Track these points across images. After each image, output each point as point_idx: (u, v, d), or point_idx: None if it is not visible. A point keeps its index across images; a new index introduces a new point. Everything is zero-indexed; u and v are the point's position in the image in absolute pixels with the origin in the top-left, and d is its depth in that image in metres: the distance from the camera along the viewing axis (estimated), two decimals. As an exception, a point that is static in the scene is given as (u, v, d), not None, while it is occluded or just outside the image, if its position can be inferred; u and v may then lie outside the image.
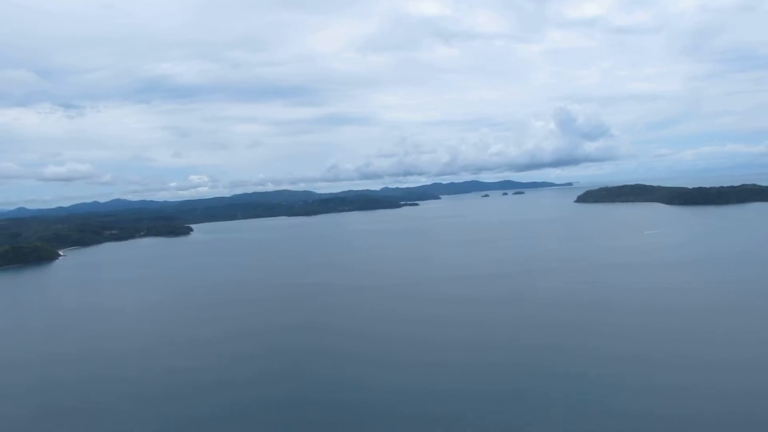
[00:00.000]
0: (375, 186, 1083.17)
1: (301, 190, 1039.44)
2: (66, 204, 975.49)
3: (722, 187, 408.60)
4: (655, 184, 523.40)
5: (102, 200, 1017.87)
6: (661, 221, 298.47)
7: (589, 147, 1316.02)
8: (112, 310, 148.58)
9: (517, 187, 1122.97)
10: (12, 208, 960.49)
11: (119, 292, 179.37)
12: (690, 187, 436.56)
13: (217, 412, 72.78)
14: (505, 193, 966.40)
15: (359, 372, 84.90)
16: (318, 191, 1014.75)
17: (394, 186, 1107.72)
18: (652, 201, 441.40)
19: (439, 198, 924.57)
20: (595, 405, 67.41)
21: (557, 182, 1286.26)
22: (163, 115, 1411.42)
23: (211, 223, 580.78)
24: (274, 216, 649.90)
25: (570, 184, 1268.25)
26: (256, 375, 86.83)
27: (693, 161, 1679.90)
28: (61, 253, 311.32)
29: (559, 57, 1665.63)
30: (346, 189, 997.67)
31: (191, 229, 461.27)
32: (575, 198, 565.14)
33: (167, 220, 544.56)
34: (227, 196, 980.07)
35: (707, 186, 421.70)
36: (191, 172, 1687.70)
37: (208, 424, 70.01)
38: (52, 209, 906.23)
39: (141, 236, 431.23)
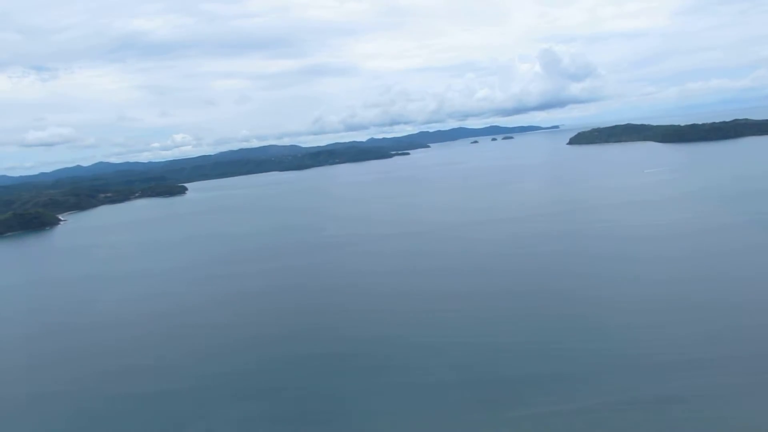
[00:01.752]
0: (361, 137, 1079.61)
1: (287, 144, 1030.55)
2: (48, 170, 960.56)
3: (714, 123, 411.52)
4: (644, 123, 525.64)
5: (84, 164, 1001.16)
6: (659, 160, 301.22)
7: (576, 88, 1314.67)
8: (143, 273, 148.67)
9: (504, 132, 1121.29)
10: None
11: (144, 255, 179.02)
12: (682, 124, 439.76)
13: (263, 365, 74.56)
14: (494, 139, 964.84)
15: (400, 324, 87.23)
16: (304, 145, 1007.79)
17: (380, 137, 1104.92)
18: (644, 140, 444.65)
19: (428, 146, 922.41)
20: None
21: (544, 126, 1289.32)
22: (140, 74, 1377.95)
23: (203, 181, 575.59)
24: (265, 172, 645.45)
25: (556, 127, 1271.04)
26: (310, 329, 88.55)
27: (678, 99, 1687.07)
28: (61, 218, 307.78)
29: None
30: (332, 142, 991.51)
31: (186, 189, 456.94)
32: (567, 140, 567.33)
33: (157, 181, 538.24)
34: (212, 154, 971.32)
35: (700, 123, 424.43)
36: (173, 131, 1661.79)
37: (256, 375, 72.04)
38: (34, 175, 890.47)
39: (136, 198, 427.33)
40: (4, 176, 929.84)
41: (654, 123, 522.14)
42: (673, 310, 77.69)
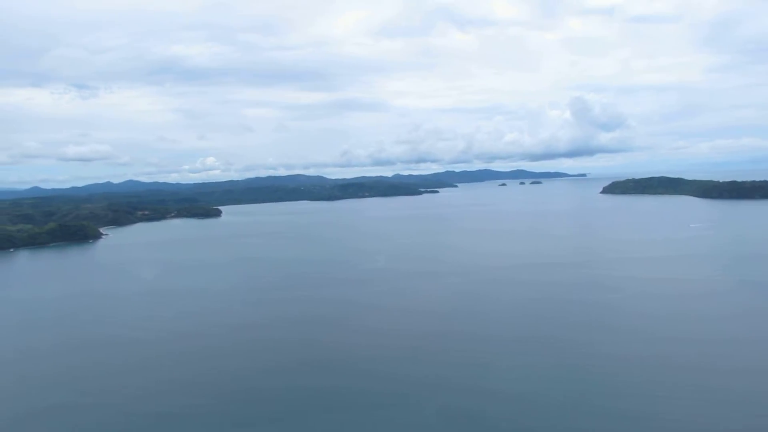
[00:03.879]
0: (387, 173, 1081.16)
1: (314, 175, 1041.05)
2: (80, 184, 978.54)
3: (755, 181, 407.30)
4: (676, 177, 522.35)
5: (115, 181, 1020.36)
6: (701, 215, 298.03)
7: (605, 137, 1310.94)
8: (192, 291, 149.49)
9: (530, 177, 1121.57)
10: (27, 187, 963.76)
11: (190, 274, 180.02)
12: (720, 180, 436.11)
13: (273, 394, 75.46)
14: (522, 183, 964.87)
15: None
16: (330, 177, 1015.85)
17: (406, 173, 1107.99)
18: (682, 194, 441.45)
19: (456, 186, 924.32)
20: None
21: (571, 173, 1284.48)
22: (175, 98, 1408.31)
23: (234, 206, 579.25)
24: (295, 200, 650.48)
25: (584, 175, 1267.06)
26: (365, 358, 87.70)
27: (709, 155, 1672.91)
28: (103, 231, 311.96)
29: (575, 45, 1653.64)
30: (358, 175, 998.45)
31: (220, 212, 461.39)
32: (600, 189, 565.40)
33: (190, 202, 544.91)
34: (239, 179, 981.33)
35: (739, 180, 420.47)
36: (202, 155, 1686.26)
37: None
38: (66, 189, 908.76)
39: (172, 217, 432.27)
40: (36, 188, 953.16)
41: (686, 177, 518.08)
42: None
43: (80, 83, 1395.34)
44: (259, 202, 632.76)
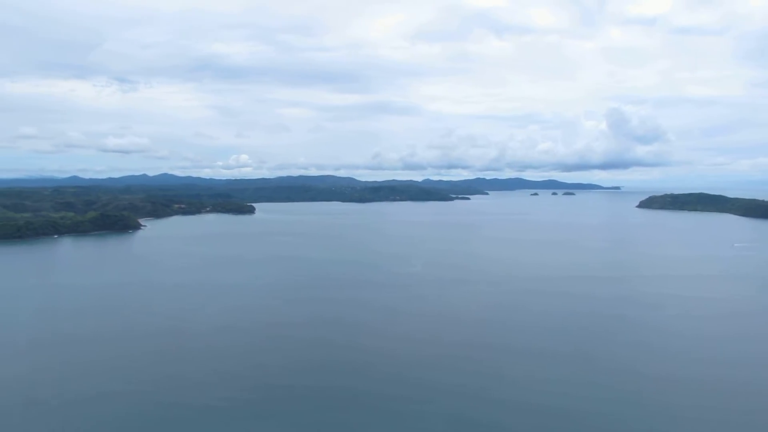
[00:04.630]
0: (417, 177, 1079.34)
1: (344, 176, 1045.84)
2: (116, 175, 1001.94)
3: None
4: (715, 193, 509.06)
5: (150, 174, 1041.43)
6: (744, 234, 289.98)
7: (642, 150, 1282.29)
8: (234, 286, 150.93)
9: (562, 188, 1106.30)
10: (66, 175, 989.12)
11: (230, 269, 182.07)
12: (764, 199, 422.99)
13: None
14: (555, 193, 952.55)
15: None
16: (360, 178, 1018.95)
17: (436, 178, 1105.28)
18: (723, 212, 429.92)
19: (487, 193, 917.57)
20: None
21: (604, 185, 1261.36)
22: (212, 94, 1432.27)
23: (266, 203, 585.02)
24: (326, 201, 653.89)
25: (618, 188, 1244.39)
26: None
27: (749, 172, 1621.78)
28: (142, 222, 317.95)
29: (613, 55, 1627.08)
30: (388, 178, 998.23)
31: (254, 209, 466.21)
32: (636, 203, 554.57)
33: (223, 198, 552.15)
34: (271, 177, 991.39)
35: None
36: (235, 152, 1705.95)
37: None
38: (104, 179, 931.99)
39: (207, 211, 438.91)
40: (75, 176, 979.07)
41: (727, 195, 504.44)
42: None
43: (122, 77, 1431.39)
44: (291, 201, 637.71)
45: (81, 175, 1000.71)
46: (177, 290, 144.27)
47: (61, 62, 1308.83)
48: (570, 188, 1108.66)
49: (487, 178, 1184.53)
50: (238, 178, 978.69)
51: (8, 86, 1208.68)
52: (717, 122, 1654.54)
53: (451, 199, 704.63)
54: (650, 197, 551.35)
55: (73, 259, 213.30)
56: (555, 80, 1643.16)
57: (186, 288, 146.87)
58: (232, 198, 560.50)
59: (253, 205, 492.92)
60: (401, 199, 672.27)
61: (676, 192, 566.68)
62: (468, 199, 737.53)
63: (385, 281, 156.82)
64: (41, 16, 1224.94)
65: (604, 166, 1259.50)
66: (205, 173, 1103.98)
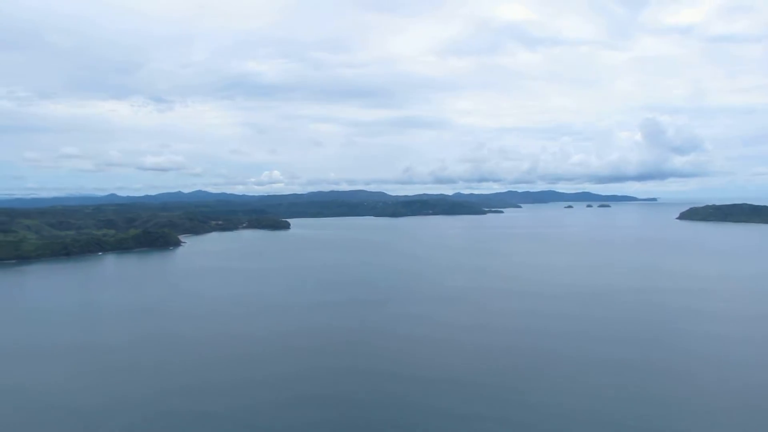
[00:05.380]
0: (448, 191, 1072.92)
1: (375, 191, 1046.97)
2: (153, 192, 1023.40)
3: None
4: (762, 204, 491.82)
5: (185, 191, 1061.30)
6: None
7: (678, 161, 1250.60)
8: (282, 302, 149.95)
9: (596, 200, 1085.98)
10: (104, 194, 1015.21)
11: (275, 282, 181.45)
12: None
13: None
14: (589, 205, 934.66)
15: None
16: (390, 193, 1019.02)
17: (467, 192, 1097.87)
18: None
19: (519, 206, 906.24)
20: None
21: (639, 197, 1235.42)
22: (244, 112, 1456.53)
23: (301, 219, 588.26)
24: (359, 215, 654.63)
25: (654, 199, 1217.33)
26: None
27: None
28: (182, 239, 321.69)
29: (647, 65, 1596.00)
30: (419, 192, 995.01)
31: (289, 224, 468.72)
32: (676, 215, 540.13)
33: (258, 214, 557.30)
34: (303, 193, 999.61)
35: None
36: (267, 168, 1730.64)
37: None
38: (141, 197, 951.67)
39: (243, 227, 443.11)
40: (113, 195, 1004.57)
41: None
42: None
43: (158, 97, 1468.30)
44: (323, 216, 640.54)
45: (119, 193, 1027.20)
46: (229, 303, 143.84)
47: (100, 83, 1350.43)
48: (604, 200, 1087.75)
49: (519, 191, 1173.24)
50: (271, 194, 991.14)
51: (50, 107, 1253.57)
52: (757, 131, 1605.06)
53: (484, 212, 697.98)
54: (691, 209, 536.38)
55: (122, 274, 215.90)
56: (587, 91, 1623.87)
57: (238, 301, 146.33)
58: (266, 214, 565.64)
59: (288, 220, 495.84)
60: (433, 213, 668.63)
61: (713, 203, 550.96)
62: (501, 212, 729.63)
63: (435, 294, 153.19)
64: (82, 38, 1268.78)
65: (640, 177, 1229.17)
66: (238, 189, 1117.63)
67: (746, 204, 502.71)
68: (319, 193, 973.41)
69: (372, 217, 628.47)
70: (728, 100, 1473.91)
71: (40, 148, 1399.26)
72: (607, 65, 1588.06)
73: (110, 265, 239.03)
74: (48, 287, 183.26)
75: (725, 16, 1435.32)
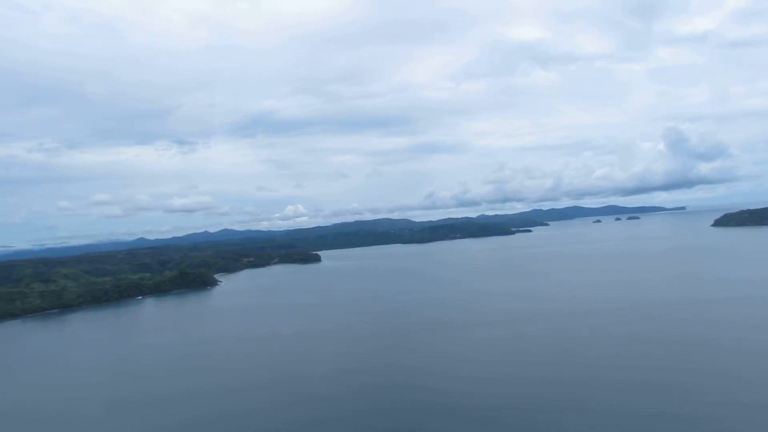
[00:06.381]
0: (471, 213, 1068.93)
1: (399, 218, 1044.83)
2: (180, 234, 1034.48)
3: None
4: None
5: (212, 230, 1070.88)
6: None
7: (705, 168, 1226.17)
8: (331, 332, 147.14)
9: (624, 212, 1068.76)
10: (133, 238, 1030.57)
11: (320, 315, 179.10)
12: None
13: None
14: (618, 218, 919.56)
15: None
16: (415, 219, 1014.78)
17: (491, 213, 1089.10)
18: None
19: (547, 224, 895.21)
20: None
21: (667, 206, 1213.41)
22: (266, 149, 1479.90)
23: (329, 250, 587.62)
24: (386, 244, 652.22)
25: (683, 208, 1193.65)
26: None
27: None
28: (217, 278, 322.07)
29: (664, 75, 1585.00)
30: (442, 217, 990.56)
31: (320, 257, 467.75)
32: (710, 222, 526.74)
33: (286, 248, 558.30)
34: (327, 225, 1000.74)
35: None
36: (291, 203, 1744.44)
37: None
38: (168, 239, 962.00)
39: (275, 263, 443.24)
40: (142, 238, 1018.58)
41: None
42: None
43: (181, 139, 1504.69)
44: (351, 247, 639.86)
45: (147, 236, 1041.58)
46: (285, 341, 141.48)
47: (125, 130, 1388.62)
48: (632, 212, 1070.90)
49: (544, 208, 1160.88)
50: (295, 228, 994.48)
51: (77, 156, 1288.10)
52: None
53: (512, 232, 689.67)
54: (726, 215, 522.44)
55: (167, 317, 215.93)
56: (605, 105, 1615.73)
57: (292, 338, 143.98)
58: (295, 248, 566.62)
59: (318, 253, 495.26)
60: (461, 237, 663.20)
61: (743, 207, 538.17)
62: (530, 231, 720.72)
63: (478, 321, 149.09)
64: (105, 88, 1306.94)
65: (666, 186, 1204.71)
66: (263, 226, 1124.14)
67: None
68: (344, 224, 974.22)
69: (400, 245, 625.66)
70: (750, 104, 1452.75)
71: (72, 197, 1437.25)
72: (625, 78, 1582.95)
73: (152, 308, 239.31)
74: (101, 335, 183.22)
75: (740, 21, 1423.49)
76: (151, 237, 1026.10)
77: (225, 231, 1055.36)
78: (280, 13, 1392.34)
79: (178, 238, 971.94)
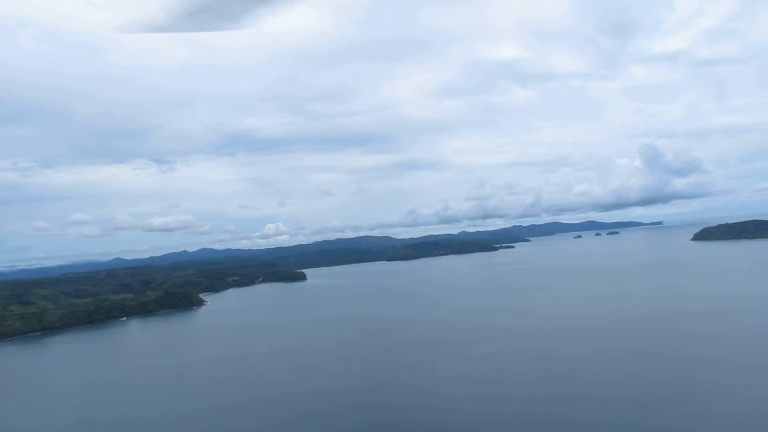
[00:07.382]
0: (452, 230, 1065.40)
1: (381, 236, 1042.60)
2: (158, 254, 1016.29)
3: None
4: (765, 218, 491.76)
5: (190, 249, 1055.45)
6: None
7: (680, 183, 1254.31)
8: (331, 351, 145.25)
9: (602, 228, 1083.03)
10: (109, 258, 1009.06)
11: (320, 331, 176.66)
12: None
13: None
14: (598, 234, 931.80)
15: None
16: (396, 236, 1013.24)
17: (472, 230, 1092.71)
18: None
19: (528, 240, 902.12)
20: None
21: (644, 221, 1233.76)
22: (246, 167, 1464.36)
23: (313, 269, 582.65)
24: (369, 261, 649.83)
25: (659, 223, 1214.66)
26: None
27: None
28: (203, 298, 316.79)
29: (639, 93, 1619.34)
30: (424, 234, 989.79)
31: (305, 275, 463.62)
32: (688, 236, 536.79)
33: (269, 267, 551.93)
34: (308, 243, 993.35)
35: None
36: (269, 221, 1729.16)
37: None
38: (146, 258, 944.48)
39: (259, 282, 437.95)
40: (118, 258, 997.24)
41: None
42: None
43: (159, 158, 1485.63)
44: (334, 265, 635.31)
45: (124, 256, 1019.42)
46: (280, 360, 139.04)
47: (101, 149, 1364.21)
48: (610, 228, 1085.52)
49: (525, 224, 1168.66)
50: (276, 247, 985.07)
51: (53, 175, 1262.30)
52: (754, 148, 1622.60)
53: (495, 249, 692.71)
54: (705, 229, 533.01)
55: (155, 338, 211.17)
56: (582, 122, 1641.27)
57: (289, 357, 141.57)
58: (278, 266, 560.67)
59: (302, 271, 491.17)
60: (445, 253, 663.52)
61: (724, 221, 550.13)
62: (512, 247, 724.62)
63: (469, 338, 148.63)
64: (80, 106, 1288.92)
65: (643, 202, 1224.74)
66: (243, 244, 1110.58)
67: (759, 220, 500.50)
68: (325, 242, 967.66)
69: (384, 262, 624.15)
70: (721, 121, 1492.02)
71: (47, 217, 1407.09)
72: (600, 96, 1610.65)
73: (138, 329, 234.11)
74: (86, 357, 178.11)
75: (711, 40, 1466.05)
76: (129, 257, 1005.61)
77: (204, 250, 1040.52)
78: (262, 32, 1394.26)
79: (156, 257, 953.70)
